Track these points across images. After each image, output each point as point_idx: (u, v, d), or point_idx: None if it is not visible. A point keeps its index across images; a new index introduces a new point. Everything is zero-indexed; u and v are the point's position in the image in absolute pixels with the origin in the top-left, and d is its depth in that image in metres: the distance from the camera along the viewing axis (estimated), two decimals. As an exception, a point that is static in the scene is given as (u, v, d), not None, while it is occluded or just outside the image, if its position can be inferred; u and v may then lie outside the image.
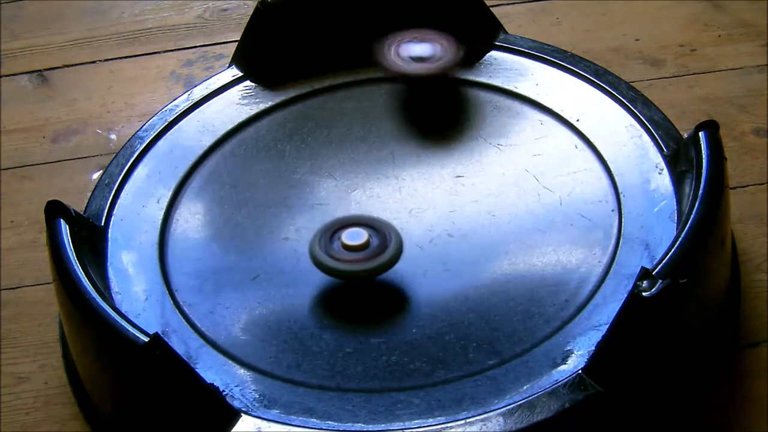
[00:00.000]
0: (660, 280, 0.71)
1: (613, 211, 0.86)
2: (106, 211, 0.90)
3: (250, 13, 1.00)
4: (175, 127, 0.97)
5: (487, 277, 0.84)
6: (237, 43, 1.03)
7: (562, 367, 0.76)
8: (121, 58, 1.17)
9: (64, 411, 0.85)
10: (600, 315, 0.79)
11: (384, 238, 0.82)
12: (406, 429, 0.74)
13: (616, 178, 0.88)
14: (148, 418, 0.77)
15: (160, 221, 0.90)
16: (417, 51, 0.95)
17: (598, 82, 0.96)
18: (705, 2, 1.16)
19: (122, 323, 0.75)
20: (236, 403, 0.76)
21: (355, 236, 0.82)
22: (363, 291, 0.84)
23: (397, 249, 0.82)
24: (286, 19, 1.00)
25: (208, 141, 0.96)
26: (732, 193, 0.89)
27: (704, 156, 0.82)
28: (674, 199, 0.85)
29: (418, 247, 0.86)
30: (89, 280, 0.78)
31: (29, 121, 1.10)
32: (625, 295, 0.73)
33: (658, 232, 0.83)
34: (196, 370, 0.75)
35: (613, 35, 1.13)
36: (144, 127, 0.97)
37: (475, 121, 0.96)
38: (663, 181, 0.87)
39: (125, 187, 0.92)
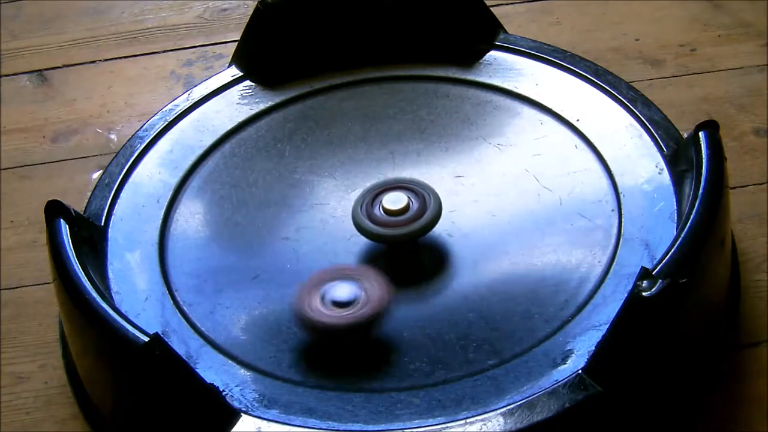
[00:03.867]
0: (660, 280, 0.71)
1: (613, 211, 0.86)
2: (106, 211, 0.89)
3: (250, 13, 1.00)
4: (175, 126, 0.97)
5: (487, 277, 0.84)
6: (237, 43, 1.03)
7: (562, 367, 0.76)
8: (121, 58, 1.17)
9: (64, 411, 0.85)
10: (600, 315, 0.79)
11: (423, 201, 0.84)
12: (406, 429, 0.73)
13: (616, 178, 0.88)
14: (148, 418, 0.77)
15: (160, 221, 0.90)
16: (339, 294, 0.80)
17: (598, 82, 0.96)
18: (705, 2, 1.16)
19: (122, 323, 0.75)
20: (236, 403, 0.76)
21: (395, 201, 0.84)
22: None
23: (436, 212, 0.84)
24: (286, 19, 1.00)
25: (208, 141, 0.96)
26: (732, 193, 0.89)
27: (704, 156, 0.82)
28: (674, 199, 0.85)
29: (419, 247, 0.86)
30: (89, 280, 0.78)
31: (29, 121, 1.10)
32: (625, 295, 0.73)
33: (658, 232, 0.83)
34: (196, 370, 0.75)
35: (613, 35, 1.13)
36: (144, 126, 0.97)
37: (475, 121, 0.96)
38: (663, 181, 0.87)
39: (125, 187, 0.92)
